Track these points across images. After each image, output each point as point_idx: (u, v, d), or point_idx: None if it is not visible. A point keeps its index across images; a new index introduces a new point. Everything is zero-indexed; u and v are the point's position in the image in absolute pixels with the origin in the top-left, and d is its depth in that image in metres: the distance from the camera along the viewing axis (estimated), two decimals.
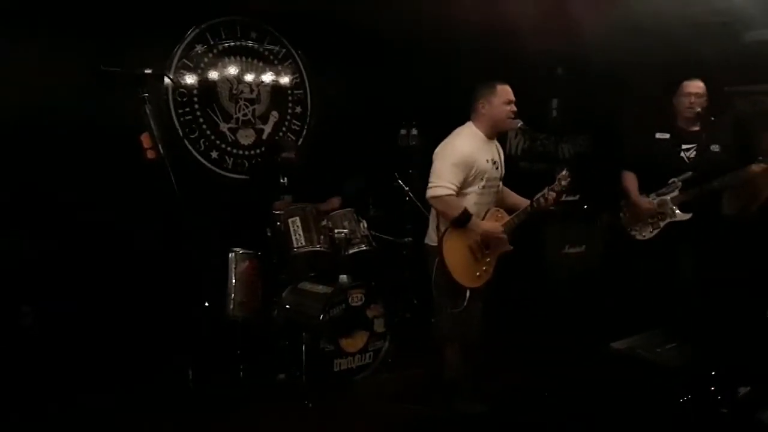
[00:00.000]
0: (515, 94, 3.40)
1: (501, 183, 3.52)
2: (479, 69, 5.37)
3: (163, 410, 3.46)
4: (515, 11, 4.74)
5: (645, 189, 4.13)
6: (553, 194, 3.29)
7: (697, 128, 4.04)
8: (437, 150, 3.36)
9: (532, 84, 5.93)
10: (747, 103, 6.34)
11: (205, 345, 3.92)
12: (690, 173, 3.93)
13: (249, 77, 4.99)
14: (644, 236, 4.12)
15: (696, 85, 4.03)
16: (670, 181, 4.00)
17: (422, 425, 3.29)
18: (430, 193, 3.28)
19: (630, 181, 4.17)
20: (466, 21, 4.91)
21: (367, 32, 5.12)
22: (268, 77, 5.09)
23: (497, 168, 3.42)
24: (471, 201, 3.31)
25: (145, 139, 3.06)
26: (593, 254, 5.64)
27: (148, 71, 3.21)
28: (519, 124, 3.41)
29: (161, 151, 3.09)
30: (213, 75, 4.82)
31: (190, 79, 4.72)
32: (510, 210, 3.46)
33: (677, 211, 3.98)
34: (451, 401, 3.41)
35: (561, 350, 3.70)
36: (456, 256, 3.25)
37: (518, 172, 5.24)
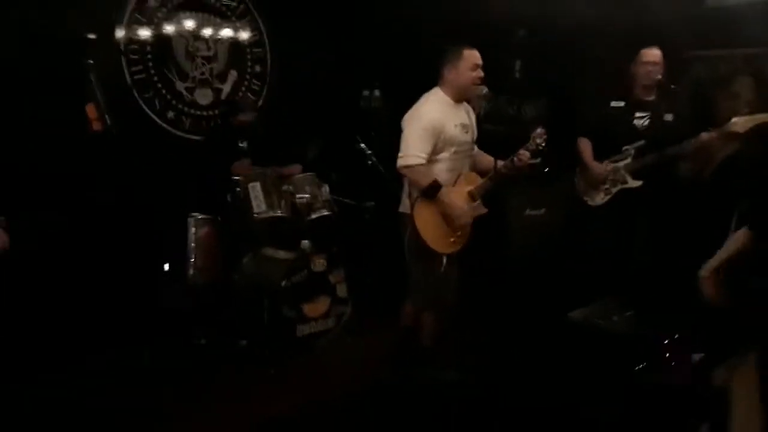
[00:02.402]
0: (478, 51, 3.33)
1: (474, 146, 3.50)
2: (443, 30, 5.33)
3: (120, 381, 3.41)
4: None
5: (599, 156, 4.16)
6: (527, 154, 3.29)
7: (653, 97, 4.07)
8: (405, 118, 3.31)
9: (496, 45, 5.91)
10: (705, 68, 6.44)
11: (166, 310, 3.87)
12: (642, 141, 3.97)
13: (206, 34, 4.79)
14: (596, 202, 4.17)
15: (653, 54, 4.04)
16: (624, 148, 4.04)
17: (387, 392, 3.31)
18: (400, 162, 3.24)
19: (584, 147, 4.21)
20: None
21: None
22: (225, 34, 4.90)
23: (467, 132, 3.39)
24: (443, 167, 3.30)
25: (90, 110, 2.91)
26: (553, 218, 5.69)
27: (91, 36, 3.02)
28: (484, 91, 3.37)
29: (108, 122, 2.93)
30: (167, 31, 4.61)
31: (143, 36, 4.50)
32: (484, 173, 3.45)
33: (629, 178, 4.03)
34: (422, 368, 3.42)
35: (521, 319, 3.75)
36: (429, 223, 3.24)
37: (481, 135, 5.24)
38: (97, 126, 2.96)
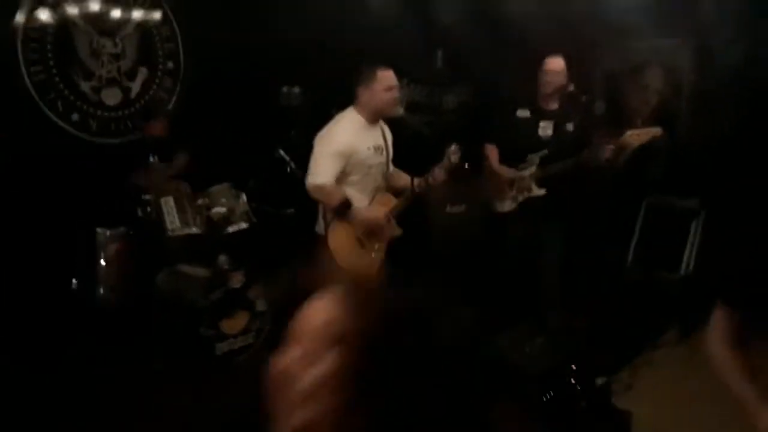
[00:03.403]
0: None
1: (389, 166, 3.48)
2: (365, 23, 5.25)
3: (27, 406, 3.25)
4: None
5: (507, 163, 4.24)
6: (442, 173, 3.31)
7: (555, 106, 4.17)
8: (317, 137, 3.27)
9: (417, 35, 5.88)
10: (617, 60, 6.65)
11: (74, 331, 3.72)
12: (545, 151, 4.07)
13: (111, 29, 4.51)
14: (504, 209, 4.27)
15: (555, 62, 4.11)
16: (528, 157, 4.13)
17: None
18: (308, 182, 3.21)
19: (491, 152, 4.28)
20: None
21: None
22: (133, 30, 4.63)
23: (382, 153, 3.37)
24: (354, 189, 3.28)
25: None
26: (473, 214, 5.80)
27: None
28: (400, 113, 3.35)
29: None
30: (70, 28, 4.31)
31: (43, 32, 4.20)
32: (399, 192, 3.45)
33: (534, 186, 4.13)
34: None
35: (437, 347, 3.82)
36: (343, 246, 3.23)
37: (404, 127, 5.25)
38: None
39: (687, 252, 5.50)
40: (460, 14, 6.14)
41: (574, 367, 2.74)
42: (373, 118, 3.31)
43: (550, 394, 2.66)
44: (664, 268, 5.44)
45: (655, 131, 3.94)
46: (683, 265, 5.46)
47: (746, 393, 1.68)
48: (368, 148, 3.27)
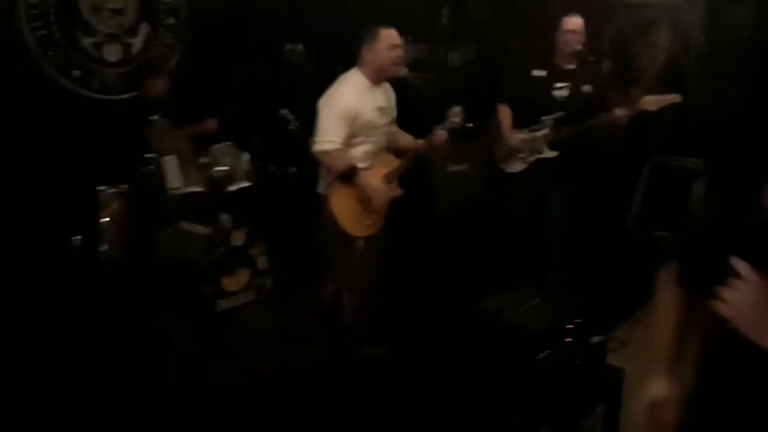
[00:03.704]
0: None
1: (393, 126, 3.48)
2: None
3: (27, 358, 3.32)
4: None
5: (518, 125, 4.18)
6: (444, 134, 3.31)
7: (573, 66, 4.10)
8: (322, 100, 3.24)
9: None
10: (628, 17, 6.54)
11: (78, 286, 3.78)
12: (561, 113, 4.02)
13: None
14: (513, 170, 4.25)
15: (574, 22, 4.02)
16: (542, 119, 4.08)
17: (312, 367, 3.38)
18: (316, 147, 3.20)
19: (504, 115, 4.21)
20: None
21: None
22: None
23: (385, 114, 3.36)
24: (359, 151, 3.28)
25: None
26: (476, 173, 5.78)
27: None
28: (404, 72, 3.33)
29: None
30: None
31: None
32: (401, 152, 3.45)
33: (545, 148, 4.11)
34: (349, 344, 3.48)
35: (437, 305, 3.89)
36: (345, 206, 3.26)
37: (408, 85, 5.21)
38: None
39: (689, 213, 5.50)
40: None
41: (569, 326, 2.76)
42: (377, 78, 3.28)
43: (545, 353, 2.70)
44: (665, 229, 5.45)
45: (674, 98, 3.87)
46: (684, 226, 5.46)
47: (662, 347, 1.63)
48: (372, 110, 3.25)
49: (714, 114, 5.51)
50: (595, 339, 2.88)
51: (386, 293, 3.72)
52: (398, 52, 3.24)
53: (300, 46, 5.21)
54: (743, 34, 5.53)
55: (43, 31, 4.20)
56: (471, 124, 5.63)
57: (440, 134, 3.30)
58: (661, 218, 5.48)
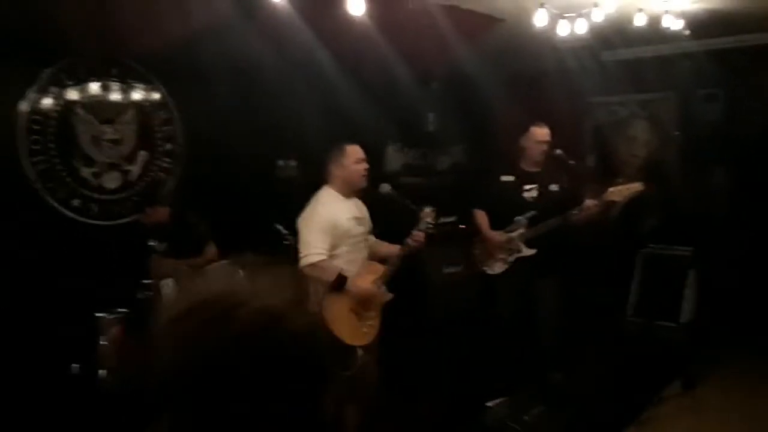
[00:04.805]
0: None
1: (369, 236, 3.60)
2: (357, 92, 5.43)
3: None
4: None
5: (494, 227, 4.34)
6: (421, 234, 3.41)
7: (537, 169, 4.30)
8: (300, 220, 3.41)
9: (409, 100, 6.09)
10: (604, 113, 6.85)
11: (74, 417, 3.74)
12: (532, 212, 4.18)
13: (111, 117, 4.70)
14: (495, 271, 4.36)
15: (543, 132, 4.27)
16: (516, 219, 4.22)
17: None
18: (303, 262, 3.29)
19: (481, 218, 4.39)
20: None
21: (236, 61, 4.97)
22: (132, 116, 4.82)
23: (361, 224, 3.49)
24: (343, 261, 3.37)
25: None
26: (470, 274, 5.83)
27: None
28: (386, 189, 3.50)
29: None
30: (70, 118, 4.49)
31: (45, 124, 4.38)
32: (383, 260, 3.55)
33: (523, 247, 4.22)
34: None
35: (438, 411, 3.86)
36: (339, 318, 3.30)
37: (400, 187, 5.35)
38: None
39: (685, 300, 5.52)
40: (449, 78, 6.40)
41: None
42: (348, 191, 3.47)
43: None
44: (663, 318, 5.46)
45: (636, 186, 4.06)
46: (682, 314, 5.47)
47: None
48: (348, 219, 3.41)
49: (696, 203, 5.67)
50: None
51: (388, 404, 3.69)
52: (364, 165, 3.43)
53: (292, 162, 5.43)
54: (716, 128, 5.79)
55: (45, 165, 4.38)
56: (464, 226, 5.80)
57: (417, 235, 3.41)
58: (659, 307, 5.51)
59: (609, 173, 6.02)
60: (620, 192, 4.01)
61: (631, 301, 5.74)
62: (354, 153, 3.42)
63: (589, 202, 4.04)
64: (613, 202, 4.07)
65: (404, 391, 4.17)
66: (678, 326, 5.44)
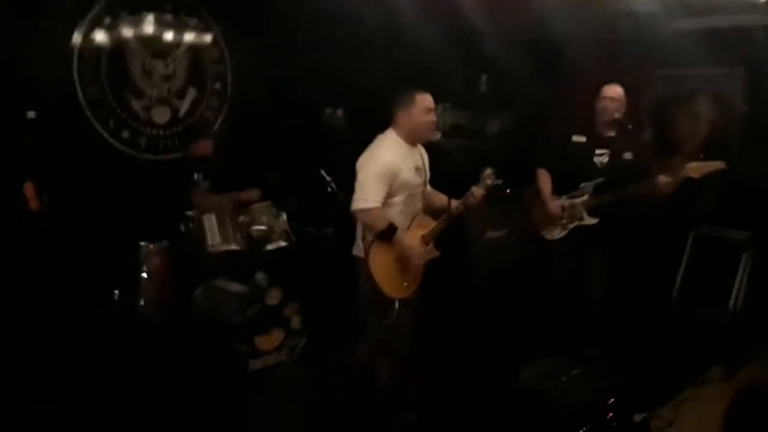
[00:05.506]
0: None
1: (427, 186, 3.49)
2: (411, 49, 5.30)
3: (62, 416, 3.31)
4: None
5: (558, 190, 4.16)
6: (481, 192, 3.28)
7: (613, 134, 4.08)
8: (360, 160, 3.29)
9: (462, 60, 5.91)
10: (668, 87, 6.55)
11: (115, 341, 3.79)
12: (601, 179, 3.98)
13: (163, 51, 4.67)
14: (553, 237, 4.19)
15: (614, 90, 4.04)
16: (582, 185, 4.04)
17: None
18: (354, 206, 3.22)
19: (544, 180, 4.19)
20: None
21: (290, 6, 4.87)
22: (184, 52, 4.77)
23: (421, 174, 3.38)
24: (396, 210, 3.29)
25: (28, 190, 2.79)
26: (514, 240, 5.72)
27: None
28: (437, 137, 3.38)
29: (45, 201, 2.80)
30: (123, 49, 4.47)
31: (98, 54, 4.37)
32: (437, 213, 3.44)
33: (585, 215, 4.05)
34: (382, 410, 3.39)
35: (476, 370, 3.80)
36: (382, 266, 3.23)
37: (446, 151, 5.24)
38: (33, 205, 2.84)
39: (736, 286, 5.31)
40: (506, 41, 6.18)
41: (612, 400, 2.64)
42: (412, 140, 3.33)
43: (585, 428, 2.57)
44: (711, 302, 5.27)
45: (719, 164, 3.82)
46: (731, 300, 5.27)
47: None
48: (410, 169, 3.28)
49: (758, 185, 5.40)
50: (639, 417, 2.75)
51: (421, 359, 3.63)
52: (433, 117, 3.29)
53: (340, 110, 5.34)
54: None
55: (96, 94, 4.39)
56: (509, 190, 5.66)
57: (476, 192, 3.27)
58: (707, 292, 5.31)
59: (667, 149, 5.78)
60: (700, 168, 3.78)
61: (679, 281, 5.54)
62: (423, 102, 3.26)
63: (663, 178, 3.80)
64: (691, 179, 3.82)
65: (440, 348, 4.12)
66: (726, 311, 5.24)
